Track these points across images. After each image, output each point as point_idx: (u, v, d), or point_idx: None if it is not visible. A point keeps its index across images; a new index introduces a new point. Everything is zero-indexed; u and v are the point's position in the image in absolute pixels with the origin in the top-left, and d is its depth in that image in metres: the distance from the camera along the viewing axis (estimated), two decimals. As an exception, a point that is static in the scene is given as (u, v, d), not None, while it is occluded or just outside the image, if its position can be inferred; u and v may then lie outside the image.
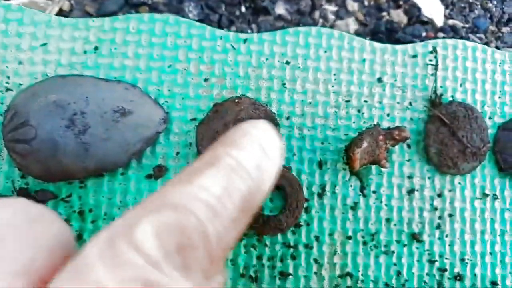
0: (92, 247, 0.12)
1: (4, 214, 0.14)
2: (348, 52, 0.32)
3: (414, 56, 0.33)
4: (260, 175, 0.16)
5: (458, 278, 0.31)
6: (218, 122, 0.29)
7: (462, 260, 0.32)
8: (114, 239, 0.12)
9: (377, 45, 0.32)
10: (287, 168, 0.30)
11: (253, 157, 0.16)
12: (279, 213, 0.29)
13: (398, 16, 0.37)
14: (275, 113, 0.30)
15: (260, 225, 0.29)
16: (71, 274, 0.12)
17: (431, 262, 0.31)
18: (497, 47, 0.39)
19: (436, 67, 0.32)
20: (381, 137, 0.29)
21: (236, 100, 0.29)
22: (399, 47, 0.33)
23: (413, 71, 0.32)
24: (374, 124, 0.30)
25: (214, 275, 0.15)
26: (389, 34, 0.37)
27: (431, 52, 0.33)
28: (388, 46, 0.32)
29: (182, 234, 0.13)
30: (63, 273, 0.12)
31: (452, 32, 0.38)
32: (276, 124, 0.30)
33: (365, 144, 0.29)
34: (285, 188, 0.29)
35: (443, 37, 0.37)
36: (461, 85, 0.33)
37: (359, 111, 0.32)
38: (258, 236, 0.29)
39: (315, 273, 0.30)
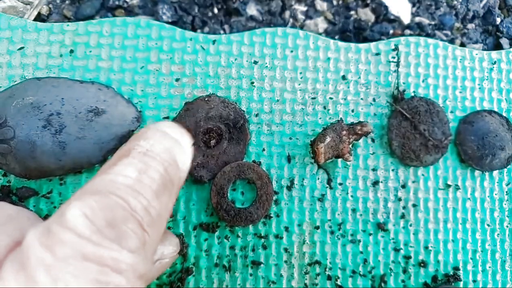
0: (31, 235, 0.14)
1: None
2: (314, 51, 0.33)
3: (377, 54, 0.34)
4: (172, 155, 0.20)
5: (422, 264, 0.33)
6: (189, 120, 0.31)
7: (426, 247, 0.33)
8: (49, 225, 0.14)
9: (341, 44, 0.34)
10: (257, 163, 0.32)
11: (160, 143, 0.19)
12: (249, 205, 0.31)
13: (366, 14, 0.38)
14: (244, 110, 0.32)
15: (232, 217, 0.30)
16: (15, 257, 0.14)
17: (396, 250, 0.33)
18: (462, 43, 0.40)
19: (397, 64, 0.34)
20: (344, 132, 0.31)
21: (206, 99, 0.31)
22: (362, 45, 0.34)
23: (376, 69, 0.34)
24: (338, 120, 0.32)
25: (161, 242, 0.18)
26: (357, 32, 0.38)
27: (393, 50, 0.34)
28: (352, 44, 0.34)
29: (109, 212, 0.15)
30: (8, 259, 0.14)
31: (419, 29, 0.39)
32: (245, 120, 0.31)
33: (328, 139, 0.30)
34: (255, 182, 0.31)
35: (410, 34, 0.39)
36: (423, 81, 0.34)
37: (324, 107, 0.33)
38: (231, 228, 0.31)
39: (285, 261, 0.31)
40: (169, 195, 0.18)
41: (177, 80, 0.32)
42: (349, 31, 0.38)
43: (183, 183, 0.20)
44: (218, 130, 0.31)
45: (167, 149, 0.19)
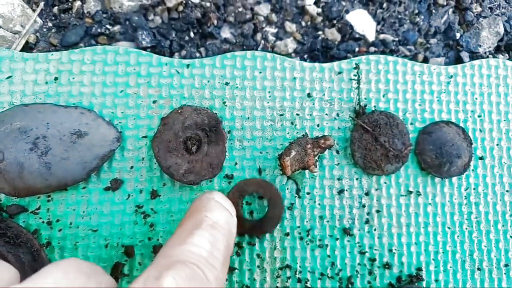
0: None
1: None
2: (280, 71, 0.36)
3: (340, 72, 0.37)
4: (229, 226, 0.24)
5: (386, 266, 0.35)
6: (168, 133, 0.33)
7: (390, 250, 0.36)
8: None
9: (306, 64, 0.37)
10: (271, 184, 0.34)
11: (221, 215, 0.24)
12: (262, 218, 0.34)
13: (332, 34, 0.41)
14: (216, 113, 0.35)
15: (246, 229, 0.33)
16: None
17: (362, 253, 0.35)
18: (425, 57, 0.43)
19: (358, 81, 0.36)
20: (309, 146, 0.34)
21: (179, 111, 0.34)
22: (326, 65, 0.37)
23: (339, 86, 0.37)
24: (303, 135, 0.34)
25: None
26: (324, 51, 0.41)
27: (354, 68, 0.37)
28: (316, 64, 0.37)
29: (193, 281, 0.19)
30: None
31: (383, 46, 0.42)
32: (219, 122, 0.34)
33: (293, 153, 0.33)
34: (269, 201, 0.34)
35: (374, 51, 0.42)
36: (383, 96, 0.37)
37: (292, 123, 0.36)
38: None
39: (258, 266, 0.34)
40: (227, 264, 0.23)
41: (154, 102, 0.34)
42: (317, 50, 0.41)
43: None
44: (196, 136, 0.34)
45: (226, 221, 0.24)
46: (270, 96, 0.36)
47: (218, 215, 0.24)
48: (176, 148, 0.33)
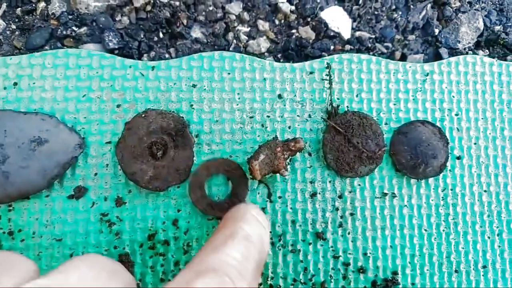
0: None
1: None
2: (250, 72, 0.35)
3: (311, 72, 0.36)
4: (262, 241, 0.24)
5: (361, 270, 0.35)
6: (132, 139, 0.32)
7: (365, 254, 0.35)
8: None
9: (277, 64, 0.36)
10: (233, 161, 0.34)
11: (256, 229, 0.24)
12: (226, 198, 0.34)
13: (306, 32, 0.40)
14: (183, 117, 0.34)
15: (213, 210, 0.33)
16: None
17: (336, 257, 0.35)
18: (403, 54, 0.42)
19: (330, 81, 0.35)
20: (278, 149, 0.33)
21: (143, 115, 0.33)
22: (297, 65, 0.36)
23: (311, 86, 0.36)
24: (274, 137, 0.33)
25: None
26: (299, 50, 0.40)
27: (326, 68, 0.36)
28: (287, 64, 0.36)
29: None
30: None
31: (359, 43, 0.41)
32: (185, 126, 0.33)
33: (262, 157, 0.32)
34: (231, 178, 0.34)
35: (350, 49, 0.41)
36: (357, 96, 0.36)
37: (262, 125, 0.35)
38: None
39: (229, 273, 0.33)
40: (258, 277, 0.23)
41: (118, 106, 0.33)
42: (291, 49, 0.40)
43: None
44: (161, 141, 0.33)
45: (260, 235, 0.24)
46: (239, 98, 0.35)
47: (253, 228, 0.24)
48: (140, 153, 0.32)
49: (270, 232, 0.34)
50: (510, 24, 0.44)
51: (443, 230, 0.36)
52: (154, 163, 0.32)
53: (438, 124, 0.37)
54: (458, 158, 0.37)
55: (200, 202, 0.33)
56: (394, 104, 0.37)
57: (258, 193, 0.34)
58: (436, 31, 0.42)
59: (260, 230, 0.25)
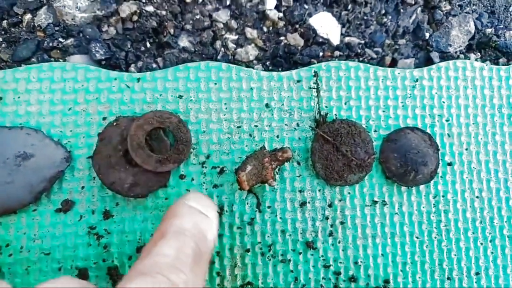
0: None
1: None
2: (236, 82, 0.35)
3: (299, 81, 0.36)
4: (200, 229, 0.24)
5: (352, 279, 0.34)
6: (107, 148, 0.32)
7: (356, 263, 0.35)
8: None
9: (263, 73, 0.35)
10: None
11: (190, 220, 0.24)
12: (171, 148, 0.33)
13: (295, 39, 0.40)
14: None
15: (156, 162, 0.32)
16: None
17: (326, 267, 0.34)
18: (394, 59, 0.41)
19: (318, 89, 0.35)
20: (266, 159, 0.32)
21: (115, 123, 0.32)
22: (284, 73, 0.36)
23: (299, 95, 0.35)
24: (262, 147, 0.33)
25: None
26: (288, 57, 0.40)
27: (314, 76, 0.36)
28: (274, 73, 0.35)
29: None
30: None
31: (348, 49, 0.41)
32: (161, 130, 0.33)
33: (249, 168, 0.32)
34: (173, 130, 0.33)
35: (340, 55, 0.40)
36: (345, 104, 0.36)
37: (250, 135, 0.35)
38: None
39: (218, 285, 0.33)
40: (200, 266, 0.23)
41: (104, 118, 0.33)
42: (280, 57, 0.39)
43: (212, 251, 0.25)
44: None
45: (196, 224, 0.24)
46: (226, 108, 0.35)
47: (185, 220, 0.24)
48: (117, 162, 0.32)
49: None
50: (501, 26, 0.43)
51: (435, 237, 0.36)
52: (133, 170, 0.32)
53: (428, 130, 0.37)
54: (450, 164, 0.37)
55: (148, 162, 0.32)
56: (383, 111, 0.36)
57: (247, 203, 0.34)
58: (427, 35, 0.42)
59: (196, 219, 0.24)
